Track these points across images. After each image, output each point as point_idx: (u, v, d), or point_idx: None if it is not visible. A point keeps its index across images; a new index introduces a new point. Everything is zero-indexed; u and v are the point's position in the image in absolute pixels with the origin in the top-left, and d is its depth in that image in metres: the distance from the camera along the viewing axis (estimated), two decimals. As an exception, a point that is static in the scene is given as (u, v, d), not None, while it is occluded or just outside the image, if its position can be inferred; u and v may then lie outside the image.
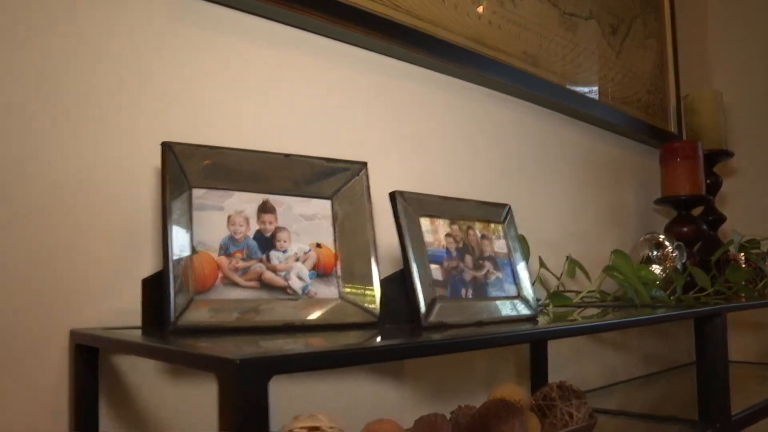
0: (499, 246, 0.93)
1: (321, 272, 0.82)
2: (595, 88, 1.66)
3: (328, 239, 0.84)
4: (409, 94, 1.16)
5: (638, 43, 1.88)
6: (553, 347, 1.36)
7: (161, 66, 0.85)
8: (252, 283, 0.77)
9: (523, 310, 0.89)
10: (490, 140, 1.33)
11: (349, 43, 1.07)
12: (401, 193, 0.82)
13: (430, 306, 0.78)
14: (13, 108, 0.73)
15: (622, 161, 1.79)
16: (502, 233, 0.94)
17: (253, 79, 0.94)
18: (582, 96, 1.59)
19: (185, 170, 0.76)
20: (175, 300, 0.70)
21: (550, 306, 1.17)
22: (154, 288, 0.77)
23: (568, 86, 1.54)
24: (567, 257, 1.25)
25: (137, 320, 0.78)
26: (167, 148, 0.75)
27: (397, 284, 0.82)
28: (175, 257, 0.72)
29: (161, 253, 0.82)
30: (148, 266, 0.81)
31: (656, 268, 1.50)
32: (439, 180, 1.20)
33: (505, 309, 0.87)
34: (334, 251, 0.84)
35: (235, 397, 0.44)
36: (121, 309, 0.79)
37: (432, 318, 0.77)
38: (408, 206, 0.82)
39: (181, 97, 0.86)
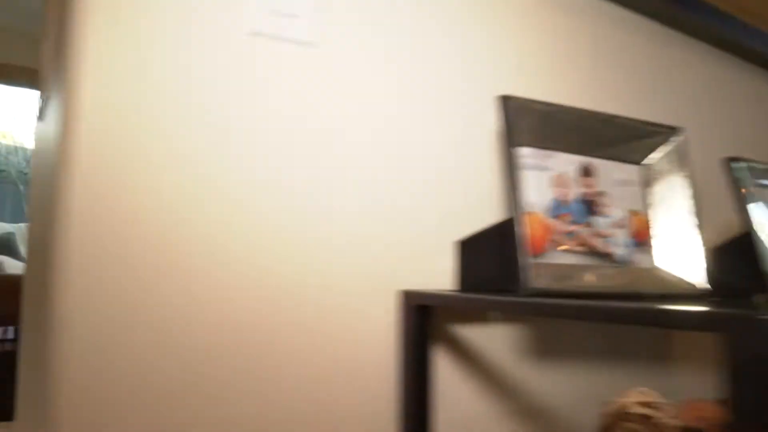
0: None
1: (638, 240, 0.78)
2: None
3: (642, 206, 0.80)
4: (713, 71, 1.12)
5: None
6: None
7: (494, 30, 0.82)
8: (580, 248, 0.74)
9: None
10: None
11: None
12: (737, 158, 0.77)
13: (781, 280, 0.72)
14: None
15: None
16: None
17: (574, 44, 0.91)
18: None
19: (517, 127, 0.73)
20: (523, 263, 0.67)
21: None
22: (469, 250, 0.75)
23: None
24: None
25: (438, 282, 0.76)
26: (504, 101, 0.72)
27: (724, 255, 0.77)
28: (515, 218, 0.69)
29: (485, 212, 0.80)
30: (455, 229, 0.78)
31: None
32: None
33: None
34: (648, 219, 0.79)
35: (752, 355, 0.41)
36: (430, 271, 0.77)
37: (784, 293, 0.72)
38: (745, 173, 0.77)
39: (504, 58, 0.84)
